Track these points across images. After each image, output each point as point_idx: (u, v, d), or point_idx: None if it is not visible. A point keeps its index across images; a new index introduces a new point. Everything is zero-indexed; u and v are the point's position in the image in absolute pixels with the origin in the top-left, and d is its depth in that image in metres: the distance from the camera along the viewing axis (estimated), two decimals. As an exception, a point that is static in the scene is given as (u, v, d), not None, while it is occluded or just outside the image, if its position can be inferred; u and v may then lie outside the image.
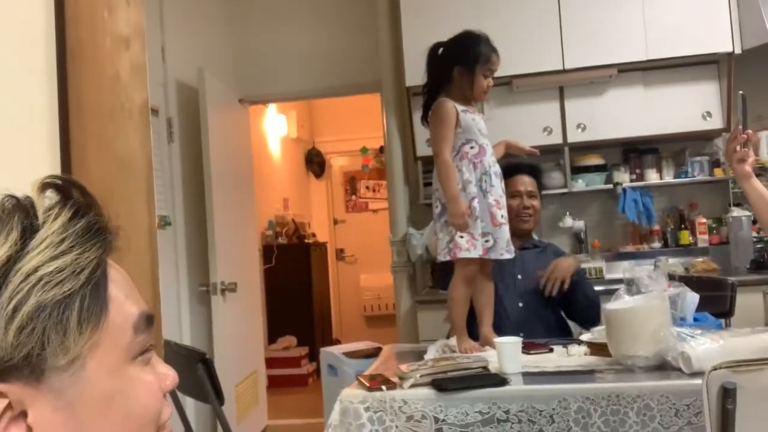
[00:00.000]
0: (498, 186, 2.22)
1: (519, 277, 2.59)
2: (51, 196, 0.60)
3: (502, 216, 2.19)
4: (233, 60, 4.56)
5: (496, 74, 2.38)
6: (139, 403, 0.62)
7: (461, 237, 2.17)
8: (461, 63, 2.25)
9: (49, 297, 0.55)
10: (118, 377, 0.60)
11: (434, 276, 3.79)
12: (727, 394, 1.17)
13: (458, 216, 2.14)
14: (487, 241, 2.19)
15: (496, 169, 2.24)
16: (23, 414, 0.56)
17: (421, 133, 3.78)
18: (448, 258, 2.21)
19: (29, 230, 0.57)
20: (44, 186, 0.60)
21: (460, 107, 2.22)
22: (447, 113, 2.21)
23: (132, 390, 0.61)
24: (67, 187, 0.60)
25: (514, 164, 2.70)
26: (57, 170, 1.00)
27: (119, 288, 0.62)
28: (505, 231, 2.20)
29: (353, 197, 7.61)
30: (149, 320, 0.64)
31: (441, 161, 2.21)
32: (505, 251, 2.20)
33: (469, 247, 2.16)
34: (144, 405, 0.62)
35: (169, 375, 0.66)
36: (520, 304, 2.56)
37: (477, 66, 2.22)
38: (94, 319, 0.58)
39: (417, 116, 3.82)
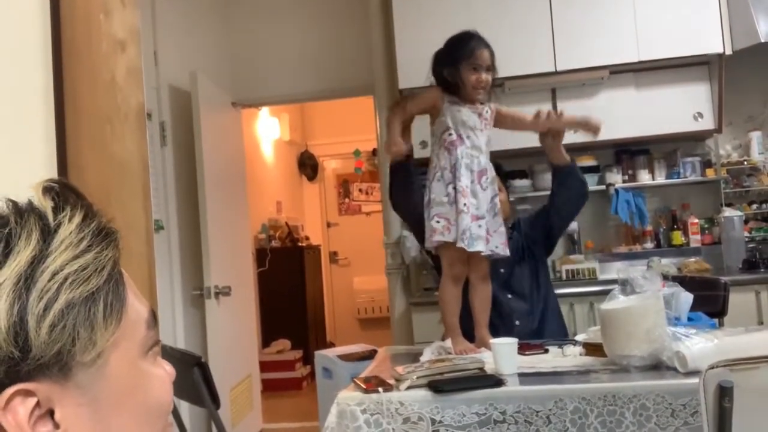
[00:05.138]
0: (466, 177, 2.18)
1: (502, 270, 2.58)
2: (50, 200, 0.61)
3: (464, 204, 2.16)
4: (226, 63, 4.55)
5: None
6: (155, 395, 0.65)
7: (438, 222, 2.17)
8: (448, 65, 2.25)
9: (77, 294, 0.57)
10: (136, 371, 0.63)
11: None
12: (724, 393, 1.18)
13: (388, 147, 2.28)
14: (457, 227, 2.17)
15: (468, 161, 2.20)
16: (49, 411, 0.58)
17: (415, 135, 3.77)
18: (429, 246, 2.23)
19: (46, 231, 0.58)
20: (45, 190, 0.61)
21: (449, 98, 2.23)
22: (424, 95, 2.31)
23: (148, 383, 0.64)
24: (64, 191, 0.62)
25: None
26: (54, 173, 0.99)
27: (129, 286, 0.64)
28: (464, 219, 2.15)
29: (346, 200, 7.61)
30: (155, 316, 0.68)
31: (395, 106, 2.37)
32: (460, 239, 2.15)
33: (443, 231, 2.16)
34: (158, 397, 0.65)
35: (169, 370, 0.69)
36: (509, 296, 2.57)
37: (461, 63, 2.21)
38: (116, 314, 0.60)
39: (410, 118, 3.83)
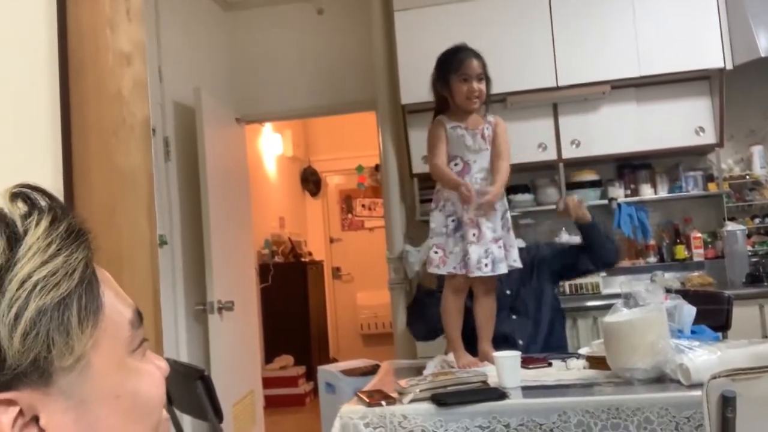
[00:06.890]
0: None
1: (508, 292, 2.59)
2: (20, 206, 0.60)
3: (473, 234, 2.17)
4: (229, 79, 4.58)
5: (491, 91, 2.39)
6: (145, 392, 0.64)
7: (436, 252, 2.20)
8: (440, 78, 2.28)
9: (48, 300, 0.56)
10: (122, 370, 0.62)
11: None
12: (727, 403, 1.18)
13: (467, 198, 2.13)
14: (468, 258, 2.18)
15: (478, 187, 2.20)
16: (35, 418, 0.57)
17: (417, 150, 3.80)
18: (431, 270, 2.26)
19: (13, 239, 0.57)
20: (14, 196, 0.60)
21: (450, 124, 2.24)
22: (432, 133, 2.27)
23: (137, 381, 0.63)
24: (34, 195, 0.61)
25: None
26: (60, 185, 1.00)
27: (109, 287, 0.63)
28: (475, 250, 2.16)
29: (349, 215, 7.62)
30: (141, 315, 0.66)
31: (431, 167, 2.26)
32: (476, 269, 2.17)
33: (439, 263, 2.20)
34: (149, 393, 0.64)
35: (161, 365, 0.68)
36: (513, 317, 2.57)
37: (451, 75, 2.23)
38: (93, 316, 0.59)
39: (412, 133, 3.85)
